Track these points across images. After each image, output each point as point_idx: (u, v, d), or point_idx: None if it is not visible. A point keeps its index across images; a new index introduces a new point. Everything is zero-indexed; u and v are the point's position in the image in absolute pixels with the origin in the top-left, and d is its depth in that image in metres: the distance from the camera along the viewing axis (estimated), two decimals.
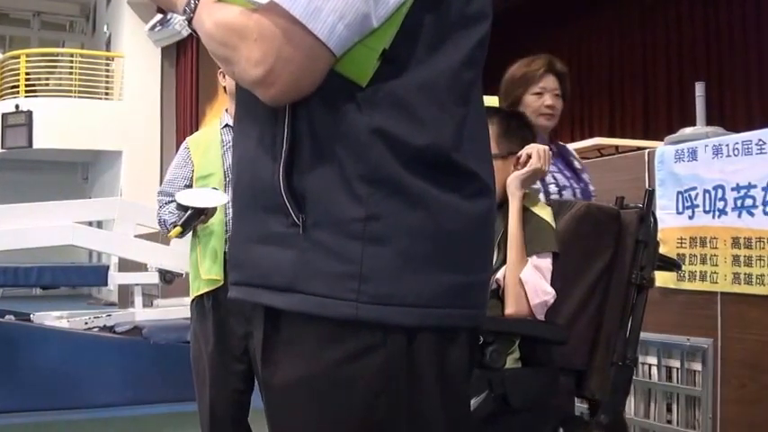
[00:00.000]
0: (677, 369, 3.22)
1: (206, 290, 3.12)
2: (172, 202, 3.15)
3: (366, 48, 1.04)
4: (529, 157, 2.21)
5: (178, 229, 3.02)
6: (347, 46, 1.02)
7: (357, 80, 1.05)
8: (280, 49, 1.01)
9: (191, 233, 3.20)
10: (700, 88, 3.25)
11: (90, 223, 6.21)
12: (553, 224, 2.21)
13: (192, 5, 1.12)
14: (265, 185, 1.10)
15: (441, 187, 1.07)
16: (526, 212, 2.19)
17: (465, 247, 1.11)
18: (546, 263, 2.14)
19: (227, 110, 3.31)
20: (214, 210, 3.07)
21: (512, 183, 2.19)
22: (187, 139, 3.46)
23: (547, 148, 2.27)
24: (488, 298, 1.22)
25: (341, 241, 1.05)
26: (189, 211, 3.02)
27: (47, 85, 16.82)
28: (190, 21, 1.13)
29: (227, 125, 3.25)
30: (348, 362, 1.06)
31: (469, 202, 1.11)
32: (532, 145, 2.26)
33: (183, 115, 15.82)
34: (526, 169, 2.19)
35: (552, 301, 2.12)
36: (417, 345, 1.07)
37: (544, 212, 2.22)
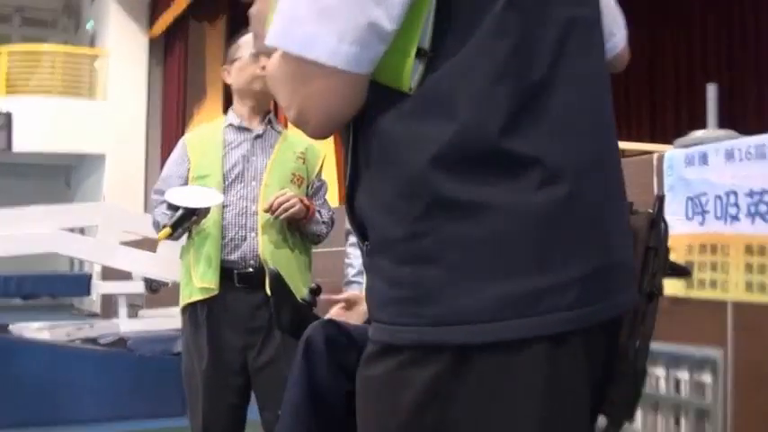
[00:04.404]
0: (686, 381, 3.12)
1: (199, 298, 2.97)
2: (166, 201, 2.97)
3: (398, 52, 1.00)
4: None
5: (167, 230, 2.86)
6: (369, 59, 0.99)
7: (398, 87, 1.01)
8: (298, 88, 1.02)
9: (185, 235, 3.06)
10: (711, 90, 3.16)
11: (72, 230, 6.09)
12: None
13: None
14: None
15: (490, 186, 0.99)
16: None
17: (529, 249, 1.00)
18: None
19: (232, 108, 3.17)
20: (207, 210, 2.91)
21: None
22: (185, 134, 3.32)
23: None
24: (579, 297, 1.04)
25: (392, 265, 1.04)
26: (180, 211, 2.86)
27: (27, 84, 16.55)
28: None
29: (230, 124, 3.11)
30: (402, 368, 1.05)
31: (530, 195, 1.00)
32: None
33: (170, 116, 15.57)
34: None
35: None
36: (477, 361, 1.01)
37: None
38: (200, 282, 2.97)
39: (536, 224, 1.00)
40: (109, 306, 8.42)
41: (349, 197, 1.09)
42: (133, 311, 6.47)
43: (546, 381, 1.02)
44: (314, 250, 3.23)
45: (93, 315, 12.19)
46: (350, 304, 2.42)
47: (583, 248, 1.05)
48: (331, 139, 12.82)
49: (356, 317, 2.35)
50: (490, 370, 1.01)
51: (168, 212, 2.93)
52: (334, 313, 2.39)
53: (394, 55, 1.00)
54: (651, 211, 2.17)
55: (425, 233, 1.00)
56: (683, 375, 3.13)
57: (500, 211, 0.99)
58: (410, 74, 1.00)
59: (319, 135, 1.07)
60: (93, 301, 12.45)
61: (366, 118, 1.04)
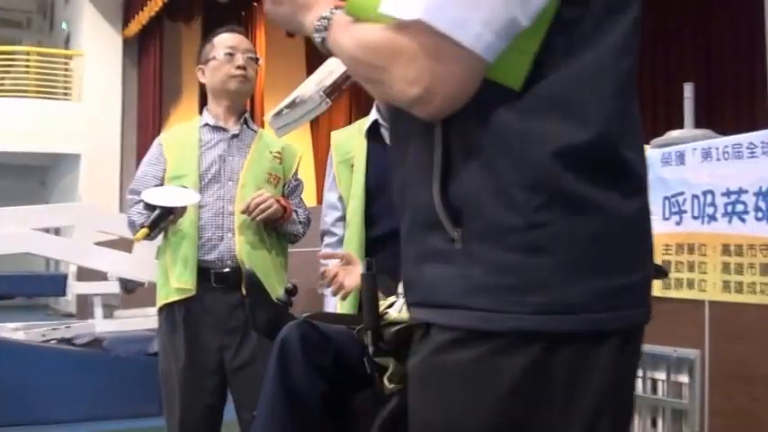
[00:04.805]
0: (663, 381, 3.11)
1: (176, 298, 2.96)
2: (142, 201, 2.94)
3: (517, 51, 1.04)
4: None
5: (145, 230, 2.83)
6: (498, 51, 1.03)
7: (511, 85, 1.05)
8: (432, 66, 1.03)
9: (161, 235, 3.03)
10: (688, 90, 3.15)
11: (47, 230, 6.03)
12: None
13: (324, 24, 1.15)
14: (424, 203, 1.12)
15: (602, 188, 1.08)
16: None
17: (623, 249, 1.11)
18: None
19: (207, 108, 3.15)
20: (184, 209, 2.89)
21: None
22: (161, 134, 3.30)
23: None
24: (642, 295, 1.18)
25: (500, 253, 1.06)
26: (156, 211, 2.83)
27: (2, 84, 16.39)
28: (323, 40, 1.16)
29: (206, 124, 3.09)
30: (491, 356, 1.08)
31: (628, 201, 1.11)
32: None
33: (146, 116, 15.50)
34: None
35: None
36: (565, 350, 1.08)
37: None
38: (176, 282, 2.95)
39: (630, 228, 1.12)
40: (84, 306, 8.35)
41: (442, 182, 1.10)
42: (109, 312, 6.42)
43: (616, 369, 1.12)
44: (289, 250, 3.21)
45: (69, 315, 12.14)
46: (347, 262, 2.42)
47: (649, 252, 1.19)
48: (309, 139, 12.65)
49: (353, 277, 2.36)
50: (576, 358, 1.08)
51: (144, 212, 2.91)
52: (333, 270, 2.40)
53: (512, 52, 1.04)
54: None
55: (542, 224, 1.05)
56: (661, 375, 3.12)
57: (608, 212, 1.08)
58: (525, 73, 1.05)
59: (437, 115, 1.08)
60: (69, 301, 12.36)
61: (471, 108, 1.07)
